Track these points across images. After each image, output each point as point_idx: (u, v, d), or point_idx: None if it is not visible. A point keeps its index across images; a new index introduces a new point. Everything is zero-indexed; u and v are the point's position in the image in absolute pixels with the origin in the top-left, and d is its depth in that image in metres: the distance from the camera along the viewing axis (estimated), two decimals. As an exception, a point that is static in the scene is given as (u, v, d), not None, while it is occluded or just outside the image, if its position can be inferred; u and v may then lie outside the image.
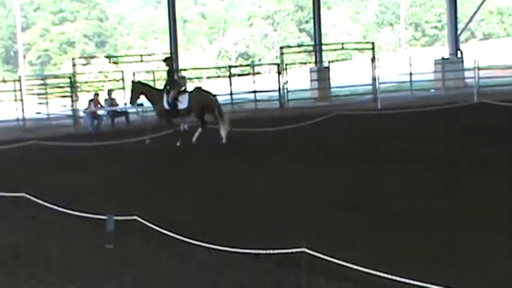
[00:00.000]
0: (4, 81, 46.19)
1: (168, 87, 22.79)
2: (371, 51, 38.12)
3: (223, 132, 22.12)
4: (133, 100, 23.20)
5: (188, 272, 8.83)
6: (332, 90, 39.68)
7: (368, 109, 30.49)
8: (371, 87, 36.50)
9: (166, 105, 22.53)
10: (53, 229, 11.66)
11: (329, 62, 42.31)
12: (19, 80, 34.52)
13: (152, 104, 23.38)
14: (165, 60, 24.11)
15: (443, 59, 40.11)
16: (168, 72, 23.29)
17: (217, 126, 22.41)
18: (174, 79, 23.33)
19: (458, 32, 41.44)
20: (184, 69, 39.98)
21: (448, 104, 28.52)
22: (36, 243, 10.72)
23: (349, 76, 45.10)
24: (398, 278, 7.35)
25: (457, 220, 10.72)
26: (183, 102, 22.40)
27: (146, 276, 8.69)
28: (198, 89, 23.98)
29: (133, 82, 24.13)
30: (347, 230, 10.52)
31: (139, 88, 23.15)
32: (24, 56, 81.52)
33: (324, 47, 41.92)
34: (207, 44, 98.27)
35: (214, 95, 23.15)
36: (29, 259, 9.77)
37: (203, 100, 22.59)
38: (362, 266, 7.65)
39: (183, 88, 22.96)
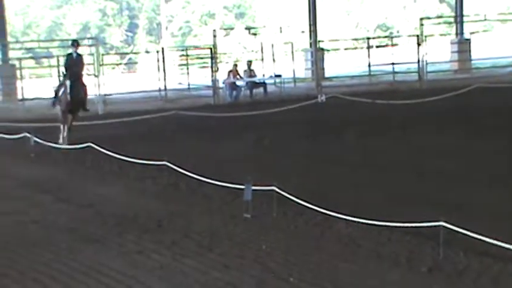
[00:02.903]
0: (147, 52, 47.36)
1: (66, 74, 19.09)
2: (515, 22, 37.01)
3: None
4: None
5: (325, 243, 8.87)
6: (473, 62, 38.83)
7: (510, 82, 29.70)
8: (514, 59, 35.55)
9: (69, 96, 18.79)
10: (193, 197, 11.91)
11: (470, 33, 41.36)
12: (162, 51, 35.27)
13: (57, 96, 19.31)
14: (72, 43, 19.93)
15: None
16: (71, 56, 19.24)
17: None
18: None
19: None
20: (322, 41, 39.92)
21: None
22: (177, 210, 10.98)
23: (491, 48, 43.96)
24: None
25: None
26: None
27: (283, 246, 8.78)
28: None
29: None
30: (487, 204, 10.32)
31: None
32: (167, 28, 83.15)
33: (465, 18, 40.95)
34: (344, 15, 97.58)
35: None
36: (171, 226, 10.01)
37: None
38: (503, 241, 7.52)
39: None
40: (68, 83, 18.62)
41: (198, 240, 9.21)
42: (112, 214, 10.88)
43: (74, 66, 18.93)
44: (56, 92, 19.23)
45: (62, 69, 20.37)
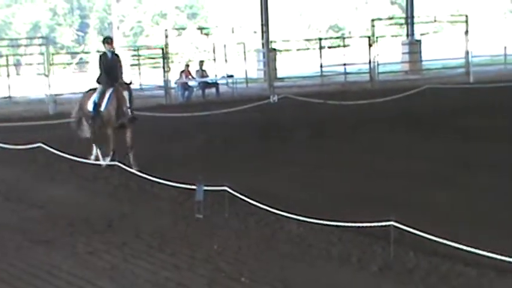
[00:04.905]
0: (98, 51, 46.89)
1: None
2: (464, 24, 37.38)
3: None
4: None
5: (276, 243, 8.89)
6: (423, 63, 39.20)
7: (460, 83, 30.06)
8: (463, 60, 35.90)
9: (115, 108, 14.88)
10: (144, 198, 11.87)
11: (421, 34, 41.75)
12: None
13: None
14: (105, 40, 15.61)
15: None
16: (106, 57, 15.27)
17: None
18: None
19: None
20: (274, 41, 40.00)
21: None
22: (128, 211, 10.93)
23: (441, 49, 44.41)
24: (488, 254, 7.28)
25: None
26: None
27: (235, 246, 8.79)
28: None
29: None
30: (436, 204, 10.44)
31: None
32: (118, 27, 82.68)
33: (415, 20, 41.31)
34: (297, 16, 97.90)
35: None
36: (122, 227, 9.97)
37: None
38: (452, 240, 7.61)
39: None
40: (110, 91, 14.88)
41: (148, 241, 9.18)
42: (63, 215, 10.80)
43: (111, 68, 15.09)
44: (98, 105, 15.07)
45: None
